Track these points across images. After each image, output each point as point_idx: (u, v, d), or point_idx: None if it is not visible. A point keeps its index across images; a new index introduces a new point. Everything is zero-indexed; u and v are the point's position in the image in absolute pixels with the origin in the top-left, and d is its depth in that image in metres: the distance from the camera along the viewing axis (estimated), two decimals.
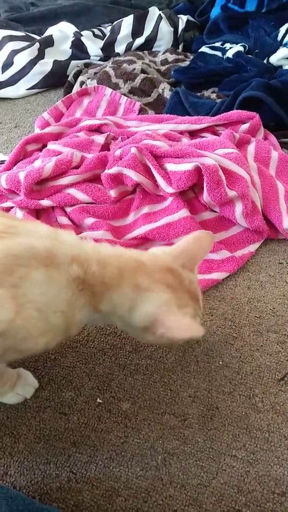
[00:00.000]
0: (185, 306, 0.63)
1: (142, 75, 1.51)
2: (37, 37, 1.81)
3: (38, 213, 1.09)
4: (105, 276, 0.59)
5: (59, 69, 1.68)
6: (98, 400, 0.76)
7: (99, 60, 1.75)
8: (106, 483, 0.67)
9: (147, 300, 0.60)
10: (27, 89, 1.65)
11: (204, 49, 1.69)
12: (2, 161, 1.28)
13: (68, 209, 1.07)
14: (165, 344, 0.79)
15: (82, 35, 1.79)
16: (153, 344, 0.82)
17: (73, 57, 1.74)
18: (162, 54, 1.73)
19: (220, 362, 0.81)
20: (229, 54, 1.57)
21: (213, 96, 1.48)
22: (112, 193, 1.09)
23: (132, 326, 0.64)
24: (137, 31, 1.77)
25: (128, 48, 1.75)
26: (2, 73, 1.66)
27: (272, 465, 0.68)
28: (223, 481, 0.67)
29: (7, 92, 1.65)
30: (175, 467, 0.68)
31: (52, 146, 1.21)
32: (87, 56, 1.76)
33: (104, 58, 1.75)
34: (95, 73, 1.59)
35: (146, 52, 1.75)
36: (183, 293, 0.64)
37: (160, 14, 1.78)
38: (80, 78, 1.59)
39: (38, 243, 0.56)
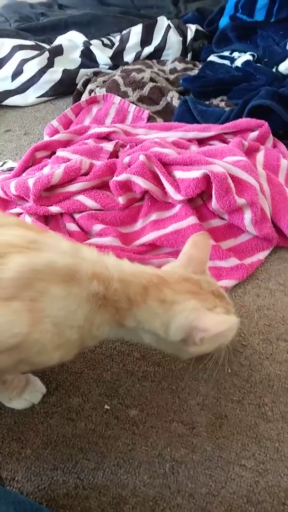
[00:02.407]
0: (214, 307, 0.64)
1: (151, 84, 1.52)
2: (47, 46, 1.83)
3: (47, 220, 1.09)
4: (129, 293, 0.60)
5: (68, 77, 1.70)
6: (106, 407, 0.75)
7: (108, 68, 1.77)
8: (114, 490, 0.66)
9: (176, 312, 0.61)
10: (36, 97, 1.67)
11: (212, 58, 1.70)
12: (12, 168, 1.29)
13: (77, 216, 1.08)
14: (211, 352, 0.72)
15: (91, 44, 1.81)
16: (197, 356, 0.74)
17: (82, 65, 1.76)
18: (171, 62, 1.74)
19: (229, 370, 0.80)
20: (238, 63, 1.58)
21: (222, 104, 1.48)
22: (121, 200, 1.09)
23: (170, 343, 0.64)
24: (145, 40, 1.78)
25: (137, 57, 1.77)
26: (12, 81, 1.68)
27: (282, 476, 0.67)
28: (232, 491, 0.66)
29: (17, 100, 1.67)
30: (183, 476, 0.68)
31: (61, 153, 1.22)
32: (96, 64, 1.78)
33: (113, 67, 1.76)
34: (104, 82, 1.60)
35: (154, 61, 1.77)
36: (207, 295, 0.64)
37: (169, 24, 1.80)
38: (89, 87, 1.60)
39: (60, 259, 0.57)
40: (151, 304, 0.61)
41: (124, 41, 1.79)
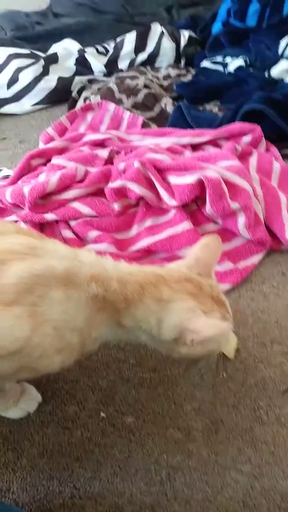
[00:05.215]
0: (211, 311, 0.63)
1: (145, 90, 1.53)
2: (42, 54, 1.84)
3: (42, 227, 1.10)
4: (127, 292, 0.61)
5: (63, 85, 1.71)
6: (102, 414, 0.75)
7: (103, 76, 1.78)
8: (110, 499, 0.66)
9: (171, 311, 0.61)
10: (32, 105, 1.68)
11: (205, 64, 1.71)
12: (7, 175, 1.29)
13: (72, 223, 1.08)
14: (202, 355, 0.72)
15: (86, 52, 1.83)
16: (189, 357, 0.74)
17: (77, 73, 1.77)
18: (165, 69, 1.75)
19: (224, 375, 0.80)
20: (231, 68, 1.59)
21: (215, 109, 1.49)
22: (116, 206, 1.10)
23: (162, 341, 0.64)
24: (139, 47, 1.80)
25: (131, 64, 1.78)
26: (8, 89, 1.69)
27: (277, 479, 0.67)
28: (228, 496, 0.66)
29: (12, 108, 1.68)
30: (179, 482, 0.68)
31: (56, 160, 1.23)
32: (91, 72, 1.79)
33: (108, 74, 1.78)
34: (99, 89, 1.61)
35: (148, 67, 1.78)
36: (206, 298, 0.64)
37: (162, 31, 1.81)
38: (84, 94, 1.61)
39: (58, 263, 0.58)
40: (148, 303, 0.61)
41: (118, 48, 1.80)
